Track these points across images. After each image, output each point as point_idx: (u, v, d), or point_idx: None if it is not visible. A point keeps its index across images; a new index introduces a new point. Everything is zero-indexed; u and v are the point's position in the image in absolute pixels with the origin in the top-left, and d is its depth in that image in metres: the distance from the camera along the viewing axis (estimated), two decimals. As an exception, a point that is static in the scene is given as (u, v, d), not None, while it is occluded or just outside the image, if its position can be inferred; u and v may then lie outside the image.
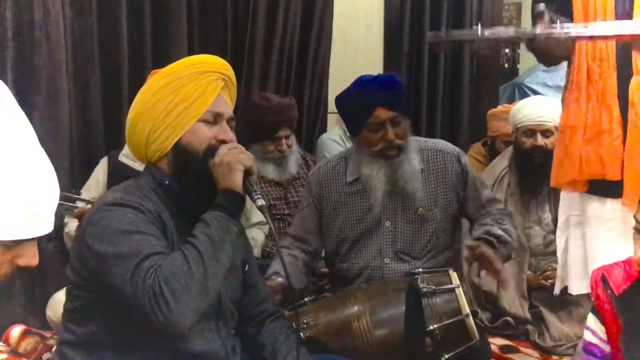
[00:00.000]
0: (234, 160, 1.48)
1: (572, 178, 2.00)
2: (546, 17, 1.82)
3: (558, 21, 1.75)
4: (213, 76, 1.56)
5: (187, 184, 1.53)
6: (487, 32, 1.68)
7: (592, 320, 1.60)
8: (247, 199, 1.52)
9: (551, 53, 1.91)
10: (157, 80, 1.55)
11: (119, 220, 1.41)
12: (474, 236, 2.11)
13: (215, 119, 1.55)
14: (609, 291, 1.54)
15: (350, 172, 2.24)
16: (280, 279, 2.04)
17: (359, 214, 2.22)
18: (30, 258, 1.16)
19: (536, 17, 1.86)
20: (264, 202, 1.49)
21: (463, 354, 1.86)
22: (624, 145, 1.89)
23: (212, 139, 1.53)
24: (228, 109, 1.59)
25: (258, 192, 1.50)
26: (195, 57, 1.64)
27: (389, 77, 2.21)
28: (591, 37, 1.75)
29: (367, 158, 2.17)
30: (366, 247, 2.21)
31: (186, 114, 1.52)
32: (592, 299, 1.61)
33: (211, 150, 1.51)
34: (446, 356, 1.83)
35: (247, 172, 1.49)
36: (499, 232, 2.08)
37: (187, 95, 1.52)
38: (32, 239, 1.14)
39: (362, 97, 2.13)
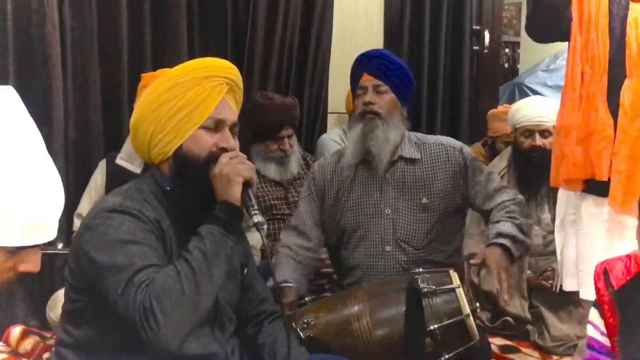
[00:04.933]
0: (233, 172, 1.46)
1: (567, 177, 2.02)
2: None
3: None
4: (217, 81, 1.54)
5: (188, 190, 1.52)
6: None
7: (593, 313, 1.62)
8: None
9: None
10: (161, 82, 1.54)
11: (116, 228, 1.41)
12: (489, 239, 2.11)
13: (217, 125, 1.53)
14: (609, 285, 1.56)
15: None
16: (291, 285, 2.12)
17: (360, 201, 2.25)
18: (32, 265, 1.16)
19: None
20: (260, 219, 1.47)
21: (463, 354, 1.86)
22: (613, 146, 1.90)
23: (212, 147, 1.52)
24: (231, 114, 1.57)
25: (255, 207, 1.49)
26: (200, 60, 1.61)
27: (379, 50, 2.42)
28: None
29: (352, 123, 2.30)
30: (368, 235, 2.24)
31: (188, 120, 1.50)
32: (594, 292, 1.62)
33: (212, 159, 1.50)
34: (446, 356, 1.83)
35: (247, 184, 1.48)
36: (513, 231, 2.08)
37: (189, 100, 1.50)
38: (35, 246, 1.14)
39: (354, 65, 2.32)
